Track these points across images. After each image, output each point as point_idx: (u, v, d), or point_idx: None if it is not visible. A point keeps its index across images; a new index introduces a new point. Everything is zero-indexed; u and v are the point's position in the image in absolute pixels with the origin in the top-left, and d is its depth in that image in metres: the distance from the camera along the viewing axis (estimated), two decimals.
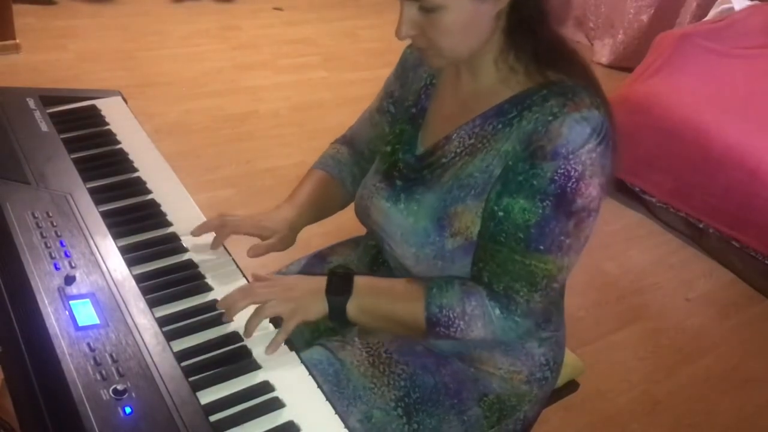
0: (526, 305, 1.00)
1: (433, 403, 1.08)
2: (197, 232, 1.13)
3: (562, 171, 0.92)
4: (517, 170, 0.95)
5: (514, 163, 0.96)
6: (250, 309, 1.00)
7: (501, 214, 0.97)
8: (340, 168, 1.29)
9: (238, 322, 1.00)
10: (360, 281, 1.04)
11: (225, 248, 1.14)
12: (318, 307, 1.03)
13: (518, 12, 0.96)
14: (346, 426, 0.88)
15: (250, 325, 0.98)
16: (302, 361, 0.96)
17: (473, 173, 1.00)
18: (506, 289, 0.99)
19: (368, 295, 1.04)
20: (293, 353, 0.97)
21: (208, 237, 1.14)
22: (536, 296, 1.00)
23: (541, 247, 0.96)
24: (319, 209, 1.25)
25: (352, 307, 1.03)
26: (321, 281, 1.04)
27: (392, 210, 1.08)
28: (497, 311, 1.00)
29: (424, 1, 0.91)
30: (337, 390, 1.04)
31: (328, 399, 0.91)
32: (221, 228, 1.13)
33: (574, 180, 0.93)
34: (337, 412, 0.89)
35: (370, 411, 1.05)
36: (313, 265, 1.31)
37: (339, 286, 1.03)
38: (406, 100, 1.16)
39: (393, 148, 1.14)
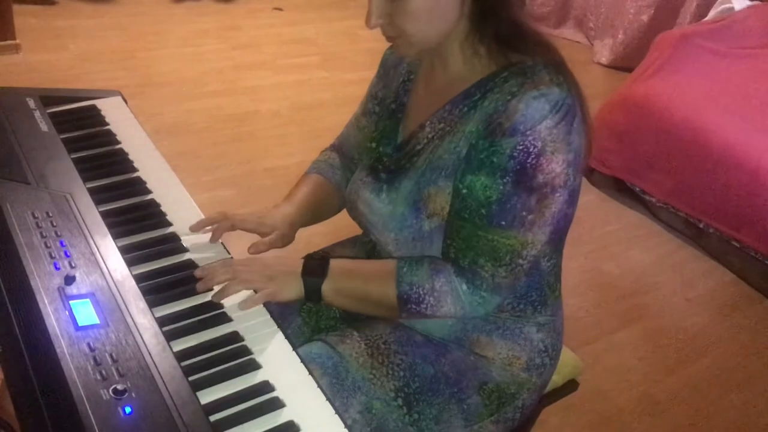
0: (492, 280, 1.02)
1: (433, 392, 1.09)
2: (197, 227, 1.14)
3: (521, 147, 0.94)
4: (478, 148, 0.98)
5: (476, 141, 0.99)
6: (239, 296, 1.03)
7: (465, 191, 1.00)
8: (334, 172, 1.32)
9: (238, 322, 1.00)
10: (335, 264, 1.08)
11: (224, 247, 1.14)
12: (294, 287, 1.07)
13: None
14: (346, 424, 0.88)
15: (224, 293, 1.02)
16: (301, 357, 0.96)
17: (443, 155, 1.04)
18: (471, 264, 1.02)
19: (343, 277, 1.08)
20: (293, 353, 0.97)
21: (208, 236, 1.14)
22: (501, 271, 1.01)
23: (503, 223, 0.98)
24: (317, 211, 1.27)
25: (328, 289, 1.07)
26: (298, 263, 1.08)
27: (375, 201, 1.12)
28: (464, 286, 1.03)
29: None
30: (336, 382, 1.05)
31: (328, 398, 0.91)
32: (221, 221, 1.15)
33: (533, 156, 0.94)
34: (336, 410, 0.89)
35: (370, 402, 1.05)
36: None
37: (314, 268, 1.07)
38: (388, 98, 1.20)
39: (376, 143, 1.17)
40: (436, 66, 1.09)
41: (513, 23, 1.01)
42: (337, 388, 1.04)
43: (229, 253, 1.13)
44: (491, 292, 1.04)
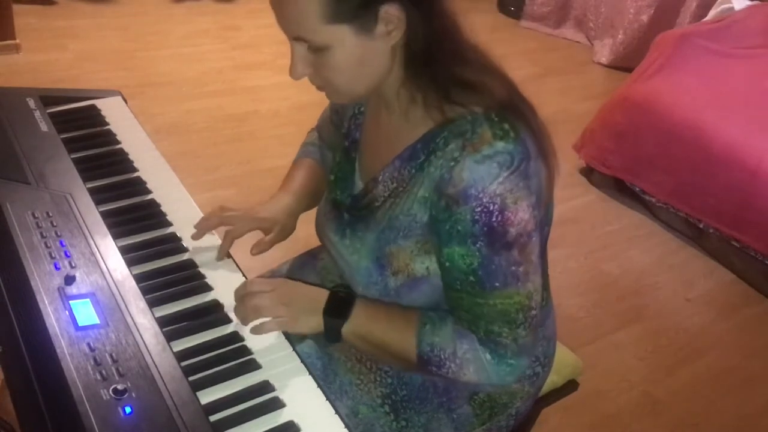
0: (515, 344, 0.97)
1: (421, 400, 1.08)
2: (198, 235, 1.13)
3: (479, 210, 0.89)
4: (440, 219, 0.93)
5: (436, 212, 0.94)
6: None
7: (447, 264, 0.95)
8: (323, 153, 1.30)
9: (238, 322, 1.00)
10: (359, 306, 1.02)
11: (230, 256, 1.14)
12: (312, 324, 1.00)
13: (411, 48, 0.92)
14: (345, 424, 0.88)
15: (246, 319, 0.98)
16: (301, 358, 0.96)
17: (398, 215, 0.99)
18: (487, 333, 0.97)
19: (364, 322, 1.01)
20: (293, 353, 0.97)
21: (209, 236, 1.14)
22: (520, 332, 0.96)
23: (497, 284, 0.93)
24: (313, 195, 1.25)
25: (347, 331, 1.01)
26: (320, 298, 1.02)
27: (339, 245, 1.08)
28: (488, 356, 0.97)
29: (310, 42, 0.89)
30: (324, 384, 1.03)
31: (327, 398, 0.91)
32: (211, 218, 1.14)
33: (497, 213, 0.89)
34: (337, 412, 0.89)
35: (357, 406, 1.05)
36: (304, 263, 1.31)
37: (338, 308, 1.01)
38: (341, 125, 1.15)
39: (336, 177, 1.13)
40: (381, 108, 1.04)
41: (448, 71, 0.94)
42: (323, 390, 1.03)
43: (229, 254, 1.13)
44: (518, 357, 0.98)
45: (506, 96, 0.95)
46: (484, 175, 0.88)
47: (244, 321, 0.98)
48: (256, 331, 0.97)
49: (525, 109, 0.96)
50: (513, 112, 0.93)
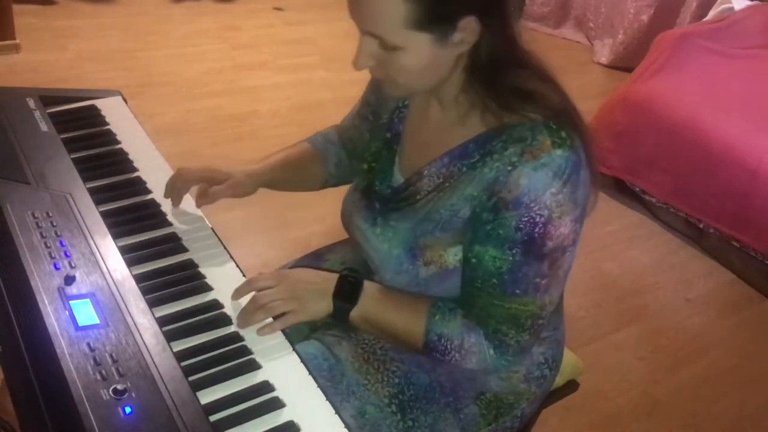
0: (517, 345, 1.02)
1: (428, 400, 1.09)
2: (168, 194, 1.17)
3: (526, 219, 0.92)
4: (483, 219, 0.96)
5: (481, 211, 0.96)
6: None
7: (474, 260, 0.98)
8: (327, 146, 1.30)
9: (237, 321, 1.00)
10: (368, 290, 1.05)
11: (225, 248, 1.14)
12: (321, 307, 1.04)
13: (478, 56, 0.94)
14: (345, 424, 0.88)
15: (252, 320, 0.98)
16: (300, 358, 0.96)
17: (440, 209, 1.01)
18: (495, 331, 1.01)
19: (373, 305, 1.05)
20: (293, 353, 0.97)
21: (209, 236, 1.14)
22: (525, 335, 1.01)
23: (517, 291, 0.97)
24: (291, 174, 1.25)
25: (356, 314, 1.04)
26: (329, 281, 1.05)
27: (369, 232, 1.10)
28: (491, 351, 1.03)
29: (383, 41, 0.90)
30: (331, 385, 1.04)
31: (327, 398, 0.91)
32: (176, 180, 1.16)
33: (540, 225, 0.92)
34: (336, 411, 0.89)
35: (364, 407, 1.05)
36: (307, 264, 1.30)
37: (347, 292, 1.04)
38: (380, 117, 1.16)
39: (369, 166, 1.15)
40: (432, 103, 1.06)
41: (510, 79, 0.96)
42: (331, 391, 1.03)
43: (230, 255, 1.13)
44: (517, 355, 1.04)
45: (560, 104, 0.97)
46: (538, 184, 0.91)
47: (251, 321, 0.98)
48: (263, 332, 0.98)
49: (576, 117, 0.98)
50: (567, 120, 0.96)
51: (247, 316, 0.99)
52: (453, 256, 1.02)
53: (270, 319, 1.00)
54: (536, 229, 0.93)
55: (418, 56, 0.91)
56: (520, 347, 1.03)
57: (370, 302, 1.04)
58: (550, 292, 0.99)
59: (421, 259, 1.03)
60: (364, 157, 1.17)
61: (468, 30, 0.90)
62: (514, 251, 0.94)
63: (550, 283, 0.98)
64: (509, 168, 0.93)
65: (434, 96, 1.04)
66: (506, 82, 0.96)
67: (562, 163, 0.92)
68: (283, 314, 1.00)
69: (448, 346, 1.02)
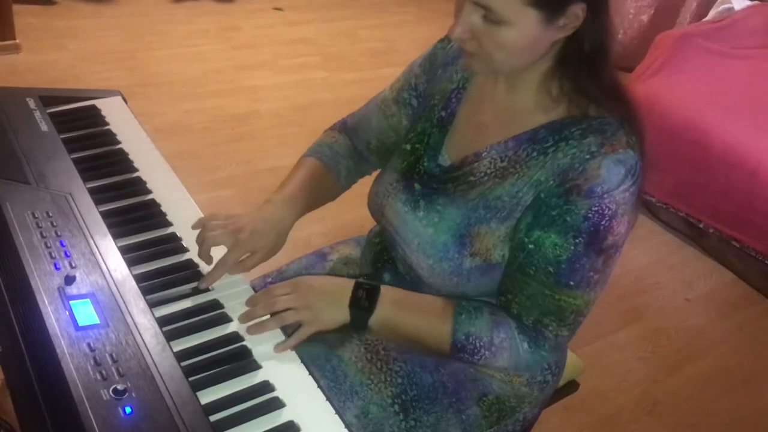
0: (555, 340, 1.01)
1: (430, 401, 1.08)
2: (210, 280, 1.04)
3: (596, 209, 0.92)
4: (551, 204, 0.94)
5: (547, 197, 0.95)
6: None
7: (531, 246, 0.96)
8: (337, 159, 1.23)
9: (239, 323, 1.00)
10: (386, 296, 1.01)
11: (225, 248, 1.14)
12: (336, 317, 1.01)
13: (578, 44, 0.93)
14: (345, 424, 0.88)
15: (264, 328, 0.97)
16: (300, 358, 0.96)
17: (502, 196, 0.99)
18: (536, 322, 0.99)
19: (392, 311, 1.01)
20: (294, 353, 0.97)
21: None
22: (564, 330, 1.00)
23: (571, 283, 0.96)
24: (311, 201, 1.17)
25: (374, 321, 1.01)
26: (344, 290, 1.01)
27: (410, 216, 1.07)
28: (525, 345, 1.00)
29: (491, 13, 0.88)
30: (334, 385, 1.04)
31: (327, 398, 0.91)
32: (201, 245, 1.05)
33: (607, 218, 0.92)
34: (336, 411, 0.89)
35: (367, 407, 1.05)
36: (312, 263, 1.30)
37: (363, 301, 1.00)
38: (432, 98, 1.12)
39: (413, 147, 1.11)
40: (499, 85, 1.03)
41: (605, 79, 0.97)
42: (334, 391, 1.04)
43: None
44: (552, 351, 1.02)
45: (635, 111, 0.98)
46: (614, 177, 0.91)
47: (261, 330, 0.97)
48: (278, 349, 0.96)
49: (643, 128, 0.98)
50: (636, 128, 0.97)
51: (258, 325, 0.98)
52: (499, 251, 0.99)
53: (280, 332, 0.98)
54: (603, 221, 0.92)
55: (522, 33, 0.89)
56: (557, 342, 1.01)
57: (389, 308, 1.01)
58: (597, 289, 0.98)
59: (469, 248, 1.00)
60: (407, 138, 1.13)
61: (573, 16, 0.89)
62: (577, 240, 0.93)
63: (599, 279, 0.97)
64: (587, 156, 0.93)
65: (506, 79, 1.01)
66: (605, 75, 0.96)
67: (633, 164, 0.93)
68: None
69: (477, 344, 0.99)
